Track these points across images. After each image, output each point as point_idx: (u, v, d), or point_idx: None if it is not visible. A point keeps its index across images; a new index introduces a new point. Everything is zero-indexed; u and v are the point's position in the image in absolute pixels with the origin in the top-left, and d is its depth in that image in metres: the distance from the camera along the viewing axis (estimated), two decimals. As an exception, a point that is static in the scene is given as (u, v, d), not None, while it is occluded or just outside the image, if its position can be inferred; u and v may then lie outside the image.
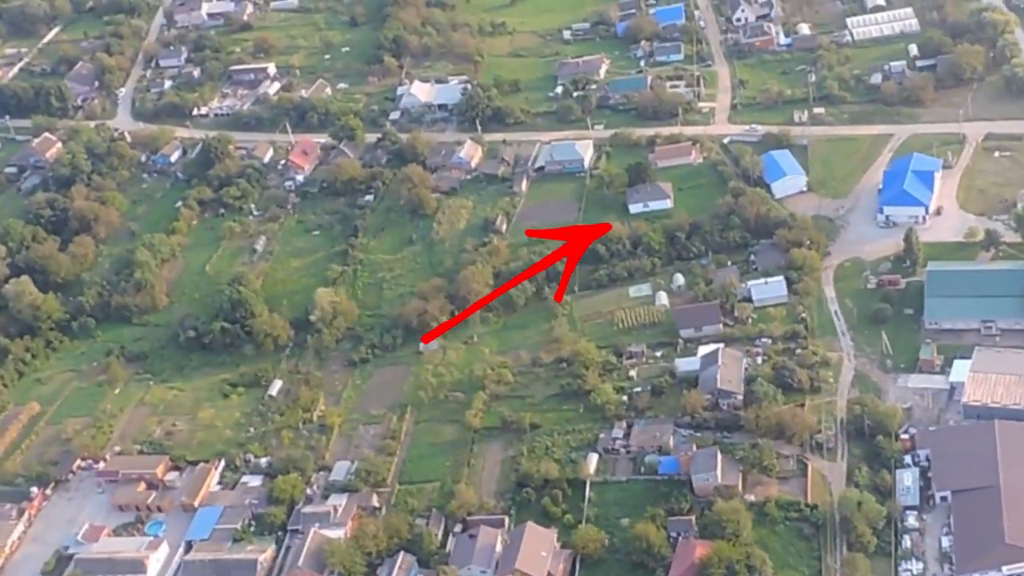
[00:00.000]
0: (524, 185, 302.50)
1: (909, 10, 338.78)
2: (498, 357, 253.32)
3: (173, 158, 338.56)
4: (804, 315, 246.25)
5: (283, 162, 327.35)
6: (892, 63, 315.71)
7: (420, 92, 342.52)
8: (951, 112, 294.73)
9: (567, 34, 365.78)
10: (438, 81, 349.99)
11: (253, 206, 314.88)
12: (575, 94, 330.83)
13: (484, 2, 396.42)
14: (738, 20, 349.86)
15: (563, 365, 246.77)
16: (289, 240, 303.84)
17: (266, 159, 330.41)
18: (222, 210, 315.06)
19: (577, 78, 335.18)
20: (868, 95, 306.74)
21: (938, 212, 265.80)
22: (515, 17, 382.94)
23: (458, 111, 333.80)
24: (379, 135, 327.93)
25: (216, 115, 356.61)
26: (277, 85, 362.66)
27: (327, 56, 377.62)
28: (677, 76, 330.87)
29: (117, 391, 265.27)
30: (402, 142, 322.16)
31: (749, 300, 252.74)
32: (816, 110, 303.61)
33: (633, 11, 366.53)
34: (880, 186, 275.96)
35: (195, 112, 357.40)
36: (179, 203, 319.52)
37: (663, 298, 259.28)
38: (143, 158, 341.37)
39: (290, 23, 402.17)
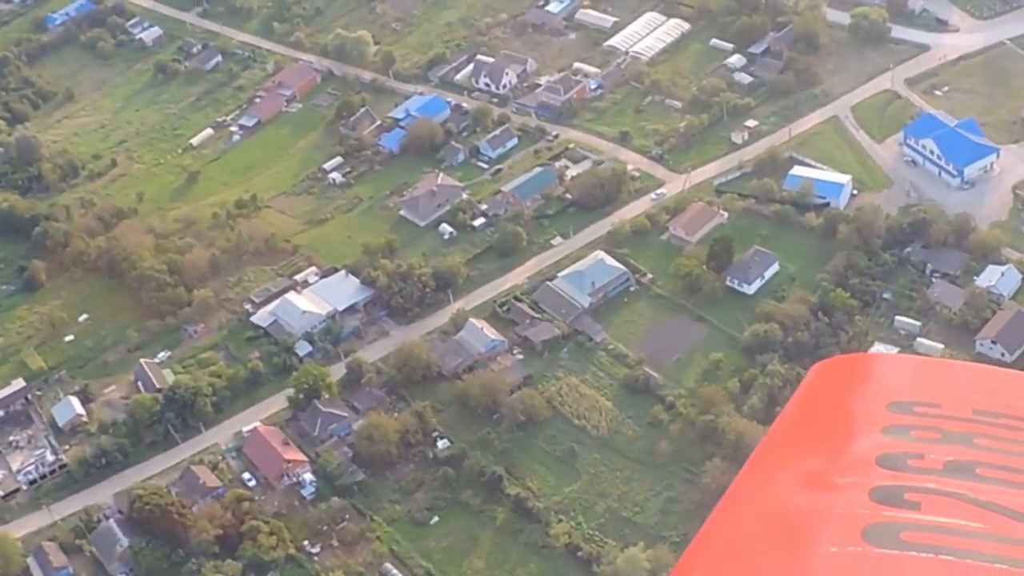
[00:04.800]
0: (601, 331, 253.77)
1: (656, 13, 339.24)
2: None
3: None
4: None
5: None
6: (728, 60, 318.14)
7: (311, 305, 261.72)
8: (850, 78, 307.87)
9: (335, 177, 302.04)
10: (303, 287, 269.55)
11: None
12: (477, 223, 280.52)
13: (158, 197, 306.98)
14: (504, 86, 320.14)
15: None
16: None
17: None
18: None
19: (458, 206, 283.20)
20: (764, 95, 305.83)
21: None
22: (210, 194, 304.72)
23: (383, 303, 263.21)
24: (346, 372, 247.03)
25: (33, 482, 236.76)
26: (75, 403, 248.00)
27: (68, 337, 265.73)
28: (556, 156, 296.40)
29: None
30: (386, 369, 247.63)
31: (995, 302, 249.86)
32: (749, 123, 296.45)
33: (378, 123, 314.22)
34: (910, 157, 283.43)
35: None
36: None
37: (929, 345, 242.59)
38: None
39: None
